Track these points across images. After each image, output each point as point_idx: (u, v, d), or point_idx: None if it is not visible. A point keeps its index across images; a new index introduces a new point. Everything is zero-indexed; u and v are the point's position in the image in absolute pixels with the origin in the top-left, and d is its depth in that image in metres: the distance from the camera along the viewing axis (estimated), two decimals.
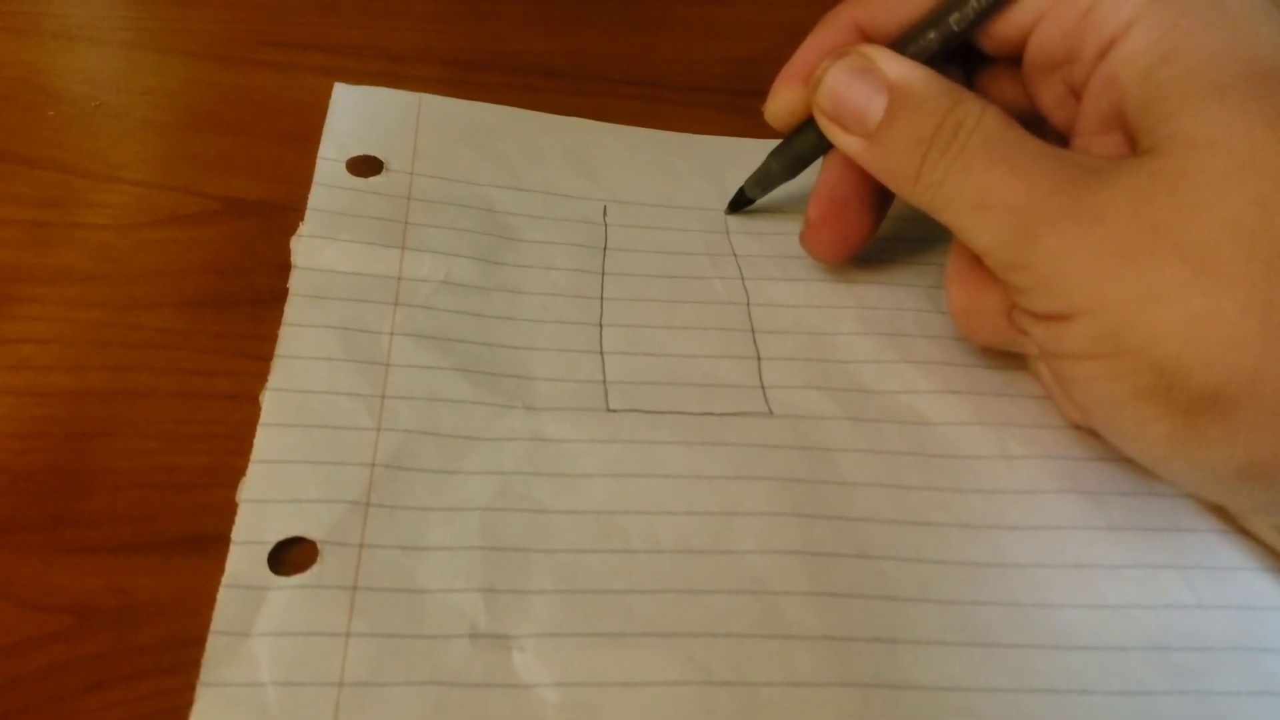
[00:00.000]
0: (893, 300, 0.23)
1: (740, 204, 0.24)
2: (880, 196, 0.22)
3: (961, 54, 0.21)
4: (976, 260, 0.19)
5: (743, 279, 0.23)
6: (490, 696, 0.15)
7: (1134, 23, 0.17)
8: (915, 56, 0.20)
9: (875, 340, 0.22)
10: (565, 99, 0.27)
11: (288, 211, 0.22)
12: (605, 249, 0.23)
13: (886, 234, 0.24)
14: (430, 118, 0.25)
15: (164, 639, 0.16)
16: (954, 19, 0.20)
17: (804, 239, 0.23)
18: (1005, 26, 0.20)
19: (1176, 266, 0.15)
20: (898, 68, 0.19)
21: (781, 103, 0.22)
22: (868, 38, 0.21)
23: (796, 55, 0.21)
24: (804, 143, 0.22)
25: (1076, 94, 0.19)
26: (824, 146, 0.22)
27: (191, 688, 0.15)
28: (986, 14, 0.19)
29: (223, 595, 0.16)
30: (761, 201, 0.25)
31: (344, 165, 0.23)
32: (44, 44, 0.27)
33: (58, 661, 0.15)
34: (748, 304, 0.23)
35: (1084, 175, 0.17)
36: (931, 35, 0.20)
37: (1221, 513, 0.19)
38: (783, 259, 0.24)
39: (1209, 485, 0.17)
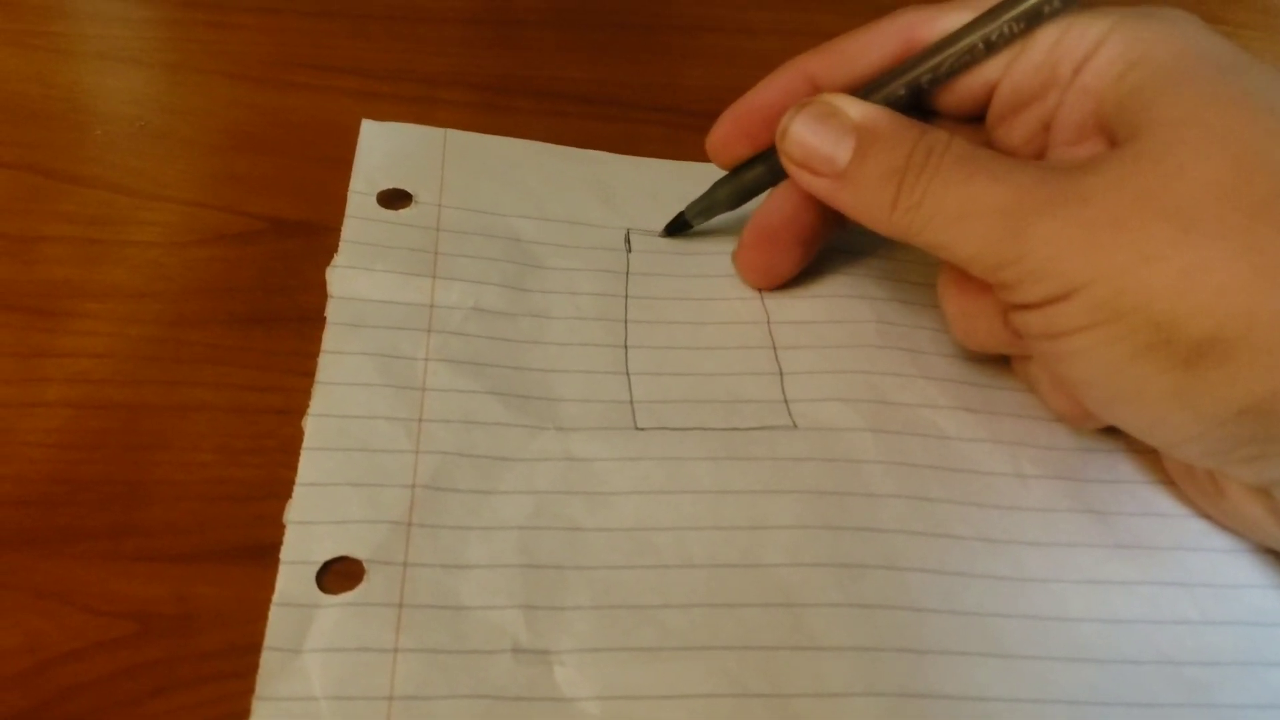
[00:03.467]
0: (911, 318, 0.24)
1: (678, 228, 0.25)
2: (809, 234, 0.23)
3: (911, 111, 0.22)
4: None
5: (762, 297, 0.24)
6: (534, 709, 0.16)
7: (1104, 40, 0.19)
8: (882, 100, 0.21)
9: (895, 354, 0.23)
10: (593, 124, 0.28)
11: (329, 232, 0.23)
12: (628, 274, 0.24)
13: (903, 254, 0.25)
14: (456, 152, 0.26)
15: (224, 645, 0.16)
16: (924, 74, 0.20)
17: (735, 259, 0.24)
18: (972, 81, 0.21)
19: (1164, 227, 0.16)
20: (861, 110, 0.20)
21: (722, 142, 0.23)
22: (819, 88, 0.22)
23: (745, 98, 0.23)
24: (752, 177, 0.23)
25: (1046, 126, 0.20)
26: (770, 182, 0.23)
27: (251, 693, 0.16)
28: (958, 70, 0.20)
29: (274, 613, 0.17)
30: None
31: (374, 198, 0.24)
32: (88, 65, 0.28)
33: (123, 666, 0.16)
34: (768, 321, 0.23)
35: (1065, 171, 0.18)
36: (899, 88, 0.21)
37: (1226, 531, 0.20)
38: (802, 276, 0.24)
39: (1210, 435, 0.17)
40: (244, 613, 0.17)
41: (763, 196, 0.23)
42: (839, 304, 0.24)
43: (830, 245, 0.24)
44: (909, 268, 0.25)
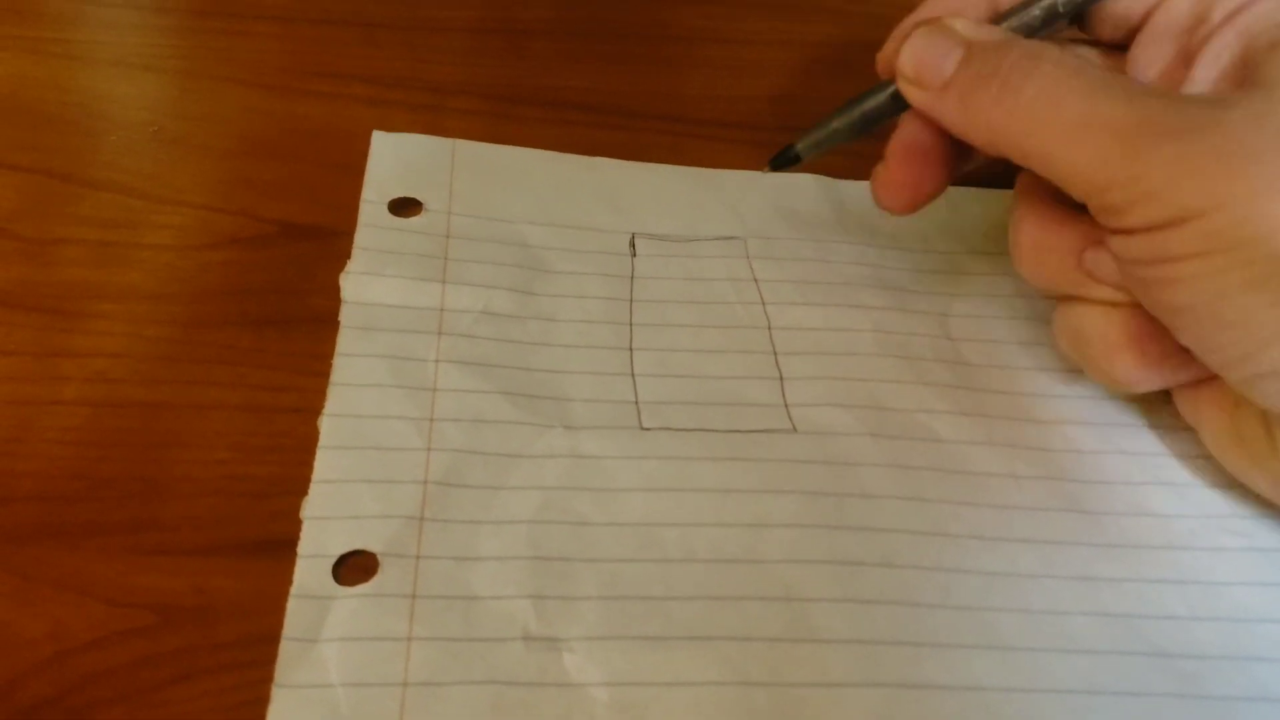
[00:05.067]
0: (907, 325, 0.24)
1: (786, 161, 0.24)
2: (956, 155, 0.22)
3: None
4: (1049, 199, 0.19)
5: (764, 304, 0.25)
6: (544, 695, 0.17)
7: None
8: (1015, 30, 0.20)
9: (892, 362, 0.23)
10: (598, 133, 0.29)
11: (340, 236, 0.24)
12: (633, 278, 0.25)
13: (898, 263, 0.26)
14: (465, 161, 0.27)
15: (242, 636, 0.17)
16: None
17: (876, 180, 0.22)
18: (1129, 6, 0.20)
19: None
20: (976, 29, 0.19)
21: (891, 56, 0.22)
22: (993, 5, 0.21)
23: (917, 11, 0.22)
24: (873, 104, 0.22)
25: (1189, 60, 0.20)
26: (891, 110, 0.22)
27: (269, 682, 0.16)
28: None
29: (292, 605, 0.17)
30: (780, 231, 0.26)
31: (385, 206, 0.25)
32: (103, 72, 0.28)
33: (143, 655, 0.16)
34: (769, 327, 0.24)
35: (1198, 101, 0.17)
36: (1035, 9, 0.20)
37: (1212, 534, 0.20)
38: (802, 284, 0.25)
39: None
40: (261, 605, 0.17)
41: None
42: (837, 312, 0.24)
43: (831, 254, 0.24)
44: (906, 276, 0.26)
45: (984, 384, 0.23)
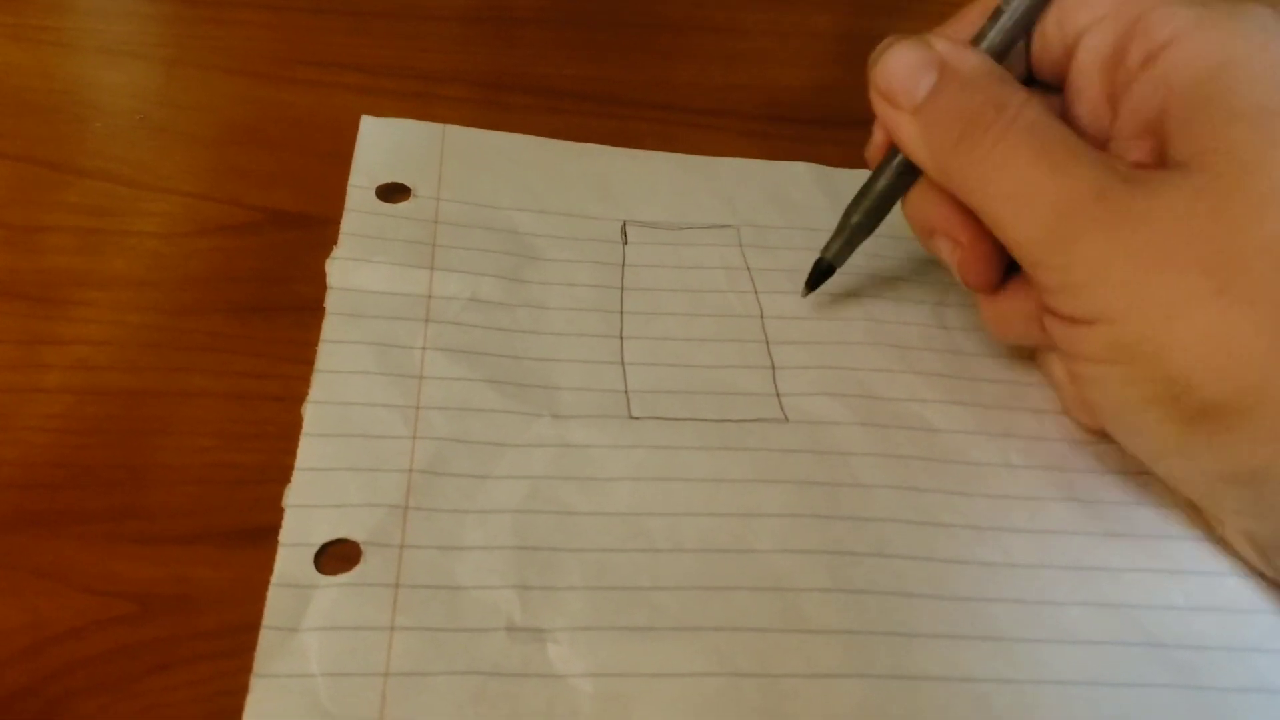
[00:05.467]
0: (899, 315, 0.24)
1: (821, 276, 0.23)
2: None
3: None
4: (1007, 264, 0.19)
5: (756, 292, 0.24)
6: (527, 686, 0.16)
7: (1183, 34, 0.18)
8: (995, 44, 0.20)
9: (884, 350, 0.23)
10: (589, 121, 0.28)
11: (327, 224, 0.24)
12: (624, 265, 0.24)
13: (891, 252, 0.25)
14: (454, 146, 0.26)
15: (222, 625, 0.16)
16: (1007, 16, 0.20)
17: (963, 264, 0.21)
18: (1060, 29, 0.20)
19: (1202, 280, 0.16)
20: (951, 48, 0.19)
21: (877, 137, 0.22)
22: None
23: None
24: (883, 185, 0.22)
25: (1113, 102, 0.20)
26: (902, 186, 0.21)
27: (248, 671, 0.16)
28: (1038, 3, 0.20)
29: (272, 594, 0.17)
30: (773, 219, 0.26)
31: (373, 192, 0.25)
32: (89, 59, 0.28)
33: (122, 644, 0.16)
34: (761, 316, 0.24)
35: (1124, 183, 0.17)
36: (993, 33, 0.20)
37: (1202, 522, 0.20)
38: (794, 273, 0.25)
39: (1199, 484, 0.19)
40: (242, 594, 0.17)
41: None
42: (829, 301, 0.24)
43: (823, 243, 0.24)
44: (897, 265, 0.25)
45: (977, 373, 0.23)
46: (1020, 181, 0.18)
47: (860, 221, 0.22)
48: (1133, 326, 0.17)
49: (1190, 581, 0.19)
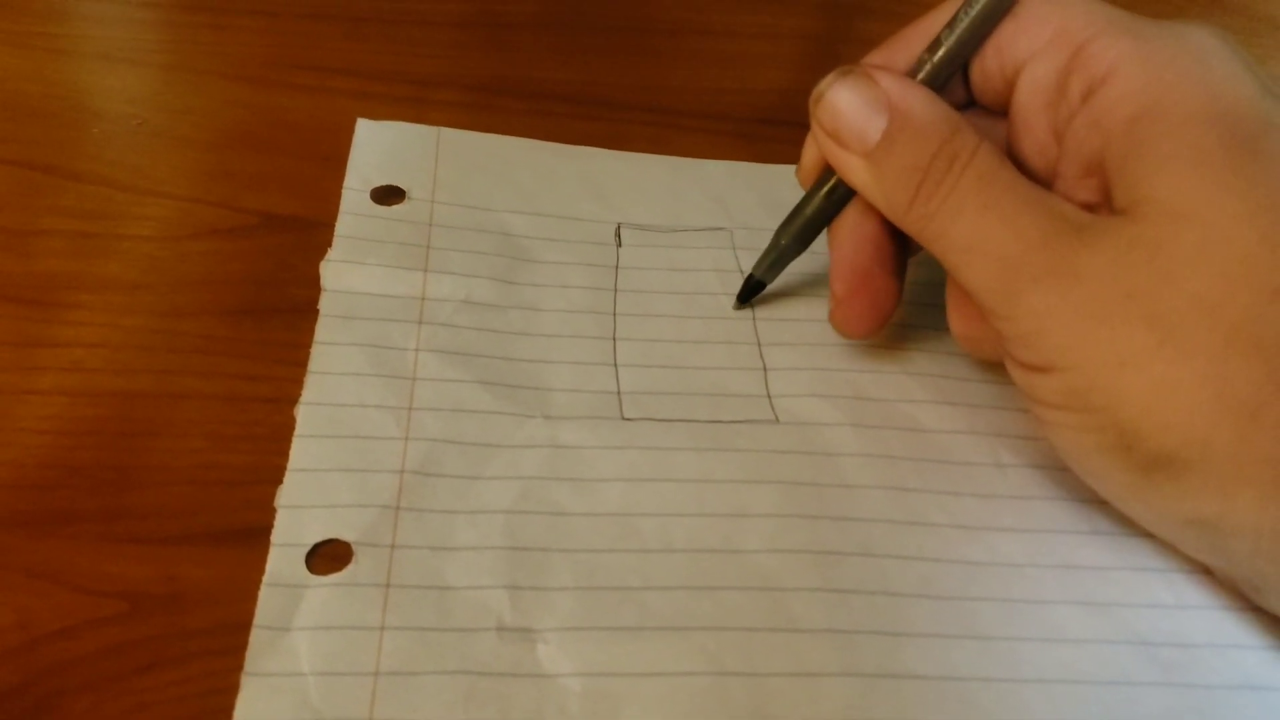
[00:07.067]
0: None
1: (752, 292, 0.24)
2: (901, 260, 0.22)
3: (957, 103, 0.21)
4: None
5: None
6: (516, 685, 0.16)
7: (1119, 67, 0.18)
8: (922, 80, 0.20)
9: (873, 351, 0.23)
10: (581, 124, 0.28)
11: (321, 227, 0.24)
12: (617, 267, 0.25)
13: None
14: (449, 149, 0.27)
15: (212, 624, 0.17)
16: (943, 34, 0.20)
17: (834, 318, 0.22)
18: (999, 59, 0.20)
19: (1144, 334, 0.16)
20: (899, 88, 0.19)
21: (807, 159, 0.22)
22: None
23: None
24: (814, 208, 0.22)
25: (1058, 137, 0.19)
26: (833, 210, 0.22)
27: (238, 670, 0.16)
28: (978, 29, 0.19)
29: (264, 593, 0.17)
30: (766, 222, 0.26)
31: (368, 195, 0.25)
32: (86, 65, 0.28)
33: (113, 643, 0.16)
34: (753, 318, 0.24)
35: (1067, 231, 0.17)
36: (931, 56, 0.20)
37: None
38: (785, 275, 0.25)
39: (1161, 528, 0.19)
40: (232, 593, 0.17)
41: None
42: (820, 303, 0.24)
43: (816, 245, 0.24)
44: None
45: (967, 373, 0.23)
46: (971, 234, 0.18)
47: (789, 245, 0.23)
48: (1085, 376, 0.17)
49: (1178, 580, 0.19)
